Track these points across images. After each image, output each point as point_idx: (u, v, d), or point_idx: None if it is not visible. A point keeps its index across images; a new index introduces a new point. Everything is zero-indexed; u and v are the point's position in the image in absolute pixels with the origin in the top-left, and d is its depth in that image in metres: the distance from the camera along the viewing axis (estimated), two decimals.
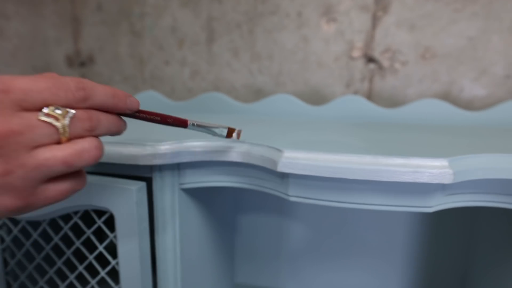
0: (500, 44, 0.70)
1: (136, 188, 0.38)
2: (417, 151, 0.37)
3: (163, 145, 0.39)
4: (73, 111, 0.26)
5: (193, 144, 0.40)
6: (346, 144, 0.41)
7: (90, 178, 0.40)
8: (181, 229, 0.44)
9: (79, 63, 0.93)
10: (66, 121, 0.25)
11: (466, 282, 0.66)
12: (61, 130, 0.25)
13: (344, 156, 0.35)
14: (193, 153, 0.40)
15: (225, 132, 0.36)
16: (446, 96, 0.74)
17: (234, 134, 0.37)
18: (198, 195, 0.48)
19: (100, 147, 0.28)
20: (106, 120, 0.28)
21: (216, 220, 0.59)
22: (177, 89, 0.88)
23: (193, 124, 0.34)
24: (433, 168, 0.33)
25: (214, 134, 0.36)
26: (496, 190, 0.38)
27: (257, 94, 0.82)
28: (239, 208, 0.73)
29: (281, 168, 0.36)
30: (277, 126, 0.55)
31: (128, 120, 0.32)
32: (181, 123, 0.34)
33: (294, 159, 0.36)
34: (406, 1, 0.72)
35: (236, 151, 0.40)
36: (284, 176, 0.39)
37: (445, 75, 0.73)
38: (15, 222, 0.46)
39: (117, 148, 0.39)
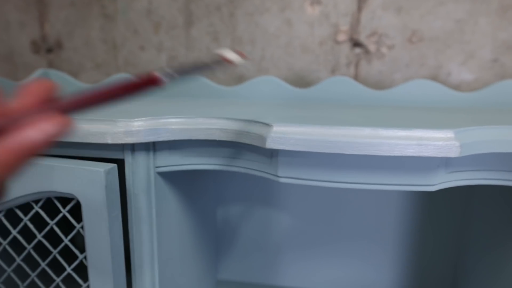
0: (487, 27, 0.69)
1: (105, 170, 0.34)
2: (418, 124, 0.34)
3: (136, 121, 0.35)
4: None
5: (171, 121, 0.36)
6: (341, 119, 0.37)
7: (52, 161, 0.35)
8: (158, 218, 0.39)
9: (46, 49, 0.87)
10: None
11: (459, 266, 0.63)
12: None
13: (341, 129, 0.31)
14: (170, 131, 0.35)
15: (219, 60, 0.26)
16: (434, 80, 0.72)
17: (234, 56, 0.26)
18: (177, 180, 0.44)
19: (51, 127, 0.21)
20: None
21: (197, 209, 0.54)
22: None
23: (169, 74, 0.24)
24: (438, 140, 0.30)
25: (206, 69, 0.26)
26: (499, 167, 0.35)
27: (239, 80, 0.78)
28: (221, 196, 0.69)
29: (270, 145, 0.32)
30: (263, 107, 0.52)
31: None
32: (150, 83, 0.23)
33: (285, 134, 0.32)
34: None
35: (219, 128, 0.36)
36: (273, 154, 0.35)
37: (432, 59, 0.71)
38: None
39: (83, 125, 0.34)
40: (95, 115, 0.35)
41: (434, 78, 0.72)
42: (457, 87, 0.71)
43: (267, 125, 0.33)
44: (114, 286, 0.37)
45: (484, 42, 0.69)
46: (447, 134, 0.30)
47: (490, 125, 0.33)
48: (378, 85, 0.74)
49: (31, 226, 0.39)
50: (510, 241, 0.45)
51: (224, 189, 0.69)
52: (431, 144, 0.30)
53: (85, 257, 0.38)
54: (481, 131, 0.32)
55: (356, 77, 0.74)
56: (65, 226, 0.43)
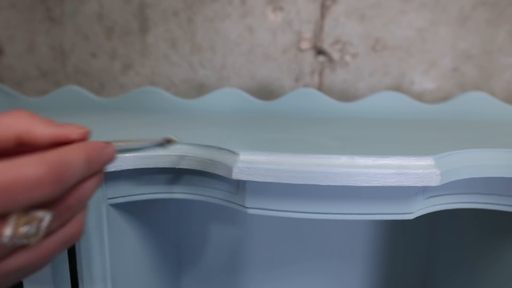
0: (447, 36, 0.69)
1: None
2: (393, 148, 0.32)
3: None
4: (48, 216, 0.19)
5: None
6: (312, 143, 0.35)
7: None
8: (111, 254, 0.35)
9: None
10: (41, 232, 0.19)
11: (428, 281, 0.63)
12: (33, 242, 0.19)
13: (315, 157, 0.28)
14: (122, 159, 0.31)
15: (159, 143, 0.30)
16: (397, 89, 0.71)
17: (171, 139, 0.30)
18: (132, 209, 0.39)
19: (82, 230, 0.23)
20: (89, 188, 0.22)
21: (156, 235, 0.50)
22: (106, 85, 0.77)
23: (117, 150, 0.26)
24: (418, 168, 0.28)
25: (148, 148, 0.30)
26: (476, 190, 0.34)
27: (199, 89, 0.74)
28: (182, 219, 0.65)
29: (237, 175, 0.29)
30: (226, 124, 0.48)
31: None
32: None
33: (253, 163, 0.29)
34: None
35: (179, 155, 0.32)
36: (240, 184, 0.31)
37: (395, 67, 0.71)
38: None
39: None
40: None
41: (398, 86, 0.71)
42: (420, 95, 0.71)
43: (233, 153, 0.30)
44: None
45: (445, 51, 0.70)
46: (427, 161, 0.28)
47: (469, 149, 0.31)
48: (343, 94, 0.73)
49: None
50: (480, 258, 0.45)
51: (185, 211, 0.64)
52: (411, 173, 0.28)
53: None
54: (460, 156, 0.30)
55: (320, 86, 0.72)
56: None
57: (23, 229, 0.18)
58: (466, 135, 0.41)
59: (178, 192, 0.35)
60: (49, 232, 0.20)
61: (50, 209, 0.19)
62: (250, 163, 0.29)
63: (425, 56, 0.70)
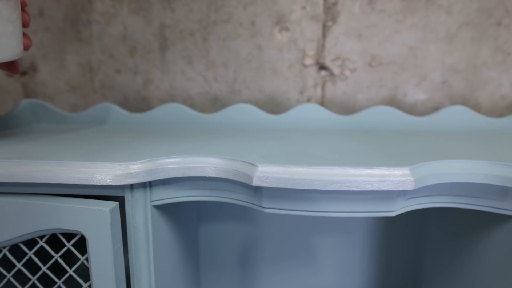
0: (436, 53, 0.77)
1: (110, 209, 0.38)
2: (379, 159, 0.40)
3: (135, 164, 0.39)
4: None
5: (166, 161, 0.40)
6: (315, 155, 0.43)
7: (58, 201, 0.39)
8: (154, 246, 0.44)
9: (21, 72, 0.88)
10: None
11: (418, 271, 0.71)
12: None
13: (316, 169, 0.37)
14: (166, 170, 0.40)
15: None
16: (392, 100, 0.79)
17: None
18: (167, 209, 0.48)
19: None
20: None
21: (183, 232, 0.58)
22: (130, 98, 0.86)
23: None
24: (397, 177, 0.36)
25: None
26: (447, 192, 0.42)
27: (213, 102, 0.83)
28: (203, 218, 0.74)
29: (256, 183, 0.37)
30: (242, 137, 0.57)
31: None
32: None
33: (269, 173, 0.37)
34: (353, 12, 0.76)
35: (211, 167, 0.40)
36: (257, 189, 0.40)
37: (390, 81, 0.79)
38: None
39: (88, 169, 0.38)
40: (98, 158, 0.39)
41: (392, 98, 0.79)
42: (413, 106, 0.80)
43: (253, 165, 0.38)
44: None
45: (435, 66, 0.78)
46: (404, 171, 0.36)
47: (438, 160, 0.40)
48: (343, 105, 0.81)
49: (35, 259, 0.42)
50: (464, 250, 0.53)
51: (205, 211, 0.73)
52: (391, 180, 0.36)
53: (89, 286, 0.41)
54: (431, 166, 0.39)
55: (322, 98, 0.81)
56: (67, 256, 0.46)
57: None
58: (442, 146, 0.49)
59: (208, 196, 0.43)
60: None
61: None
62: (267, 173, 0.37)
63: (417, 71, 0.78)
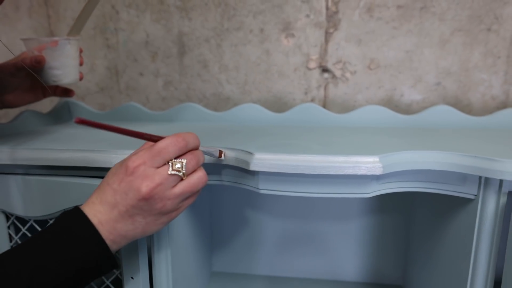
0: (431, 57, 0.83)
1: None
2: (356, 150, 0.48)
3: None
4: (184, 160, 0.40)
5: None
6: (303, 146, 0.51)
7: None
8: (171, 227, 0.52)
9: None
10: (184, 170, 0.40)
11: (407, 253, 0.78)
12: (181, 175, 0.40)
13: (301, 156, 0.45)
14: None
15: (217, 153, 0.47)
16: (389, 100, 0.86)
17: (222, 155, 0.47)
18: None
19: (206, 174, 0.42)
20: (201, 154, 0.43)
21: (198, 216, 0.67)
22: (151, 98, 0.96)
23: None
24: (368, 163, 0.44)
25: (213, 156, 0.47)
26: (415, 178, 0.49)
27: (226, 101, 0.92)
28: (215, 203, 0.82)
29: (252, 167, 0.45)
30: (247, 132, 0.65)
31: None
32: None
33: (263, 160, 0.45)
34: (353, 20, 0.84)
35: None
36: (255, 173, 0.48)
37: (387, 83, 0.86)
38: (23, 221, 0.53)
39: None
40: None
41: (390, 98, 0.86)
42: (409, 105, 0.86)
43: (250, 153, 0.47)
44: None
45: (429, 69, 0.84)
46: (374, 159, 0.44)
47: (405, 150, 0.47)
48: (344, 104, 0.88)
49: None
50: (439, 227, 0.59)
51: (216, 198, 0.82)
52: (363, 166, 0.43)
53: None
54: (399, 155, 0.46)
55: (325, 98, 0.88)
56: None
57: (176, 165, 0.39)
58: (415, 140, 0.57)
59: (215, 180, 0.52)
60: (188, 172, 0.40)
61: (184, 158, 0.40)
62: (262, 160, 0.45)
63: (412, 73, 0.85)
